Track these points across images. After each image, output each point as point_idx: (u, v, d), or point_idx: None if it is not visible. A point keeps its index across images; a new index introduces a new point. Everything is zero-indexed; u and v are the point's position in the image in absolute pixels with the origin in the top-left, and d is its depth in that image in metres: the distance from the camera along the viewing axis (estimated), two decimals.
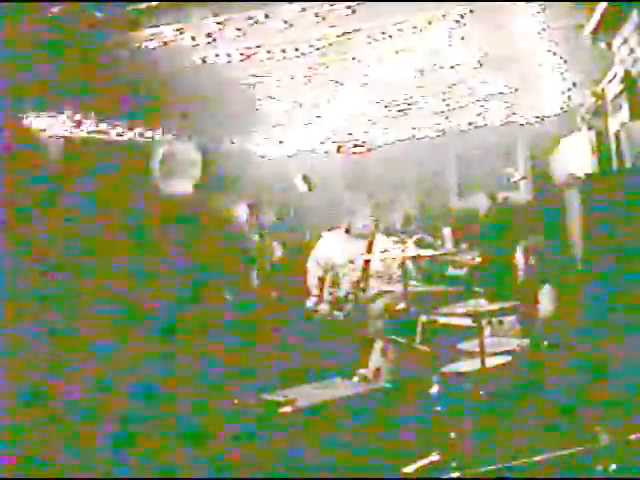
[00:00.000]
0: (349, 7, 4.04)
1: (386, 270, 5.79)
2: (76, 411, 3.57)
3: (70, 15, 3.86)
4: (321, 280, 6.03)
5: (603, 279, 3.75)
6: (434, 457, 3.42)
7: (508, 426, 3.49)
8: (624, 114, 4.71)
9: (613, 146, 5.09)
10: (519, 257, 4.69)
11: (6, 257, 4.53)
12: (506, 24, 4.58)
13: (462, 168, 8.39)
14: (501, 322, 4.46)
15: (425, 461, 3.39)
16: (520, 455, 2.91)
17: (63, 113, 5.46)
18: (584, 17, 4.49)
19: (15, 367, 4.22)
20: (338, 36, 4.50)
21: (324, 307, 5.89)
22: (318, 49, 4.69)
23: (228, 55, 4.63)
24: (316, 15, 4.11)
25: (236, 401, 3.43)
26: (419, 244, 5.72)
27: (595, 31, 4.54)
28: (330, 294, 5.91)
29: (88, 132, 6.30)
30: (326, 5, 4.02)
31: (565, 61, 5.45)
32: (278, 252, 6.92)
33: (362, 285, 5.82)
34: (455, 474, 3.23)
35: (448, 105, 6.76)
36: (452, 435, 3.56)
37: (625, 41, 4.33)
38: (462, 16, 4.33)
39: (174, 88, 4.77)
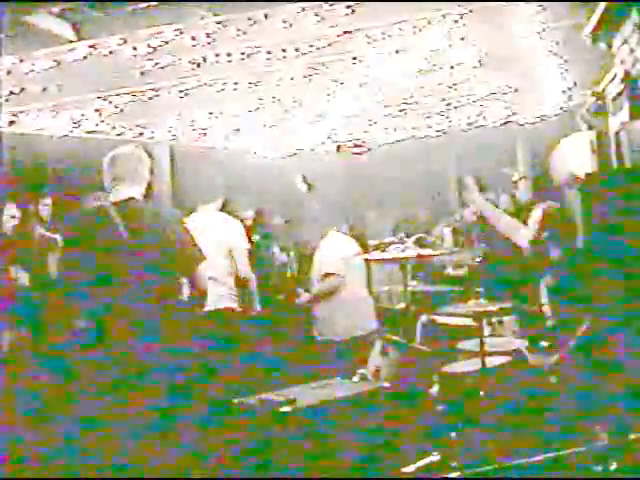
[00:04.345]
0: (349, 7, 4.04)
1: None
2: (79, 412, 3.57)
3: None
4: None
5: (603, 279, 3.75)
6: (434, 457, 3.42)
7: (508, 426, 3.49)
8: (624, 114, 4.71)
9: (613, 146, 5.09)
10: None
11: None
12: (506, 24, 4.58)
13: (462, 168, 8.41)
14: (501, 322, 4.46)
15: (425, 461, 3.39)
16: (520, 455, 2.92)
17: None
18: (584, 17, 4.49)
19: None
20: (338, 36, 4.50)
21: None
22: (318, 49, 4.69)
23: (228, 55, 4.63)
24: (316, 15, 4.11)
25: (236, 401, 3.43)
26: (419, 244, 5.71)
27: (595, 31, 4.53)
28: None
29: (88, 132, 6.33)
30: (326, 5, 4.01)
31: (565, 61, 5.46)
32: (281, 257, 6.93)
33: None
34: (455, 474, 3.23)
35: (448, 105, 6.77)
36: (452, 435, 3.56)
37: (625, 41, 4.33)
38: (462, 16, 4.33)
39: None
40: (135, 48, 4.35)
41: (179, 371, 3.44)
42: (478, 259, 5.37)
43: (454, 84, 5.97)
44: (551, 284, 4.09)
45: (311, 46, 4.63)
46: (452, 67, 5.40)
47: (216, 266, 4.94)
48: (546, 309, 4.20)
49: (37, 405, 4.17)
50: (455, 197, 8.42)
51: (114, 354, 3.38)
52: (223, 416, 3.48)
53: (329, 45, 4.63)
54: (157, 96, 5.47)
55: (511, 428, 3.47)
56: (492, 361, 3.84)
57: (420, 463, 3.37)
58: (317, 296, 5.43)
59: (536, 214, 4.16)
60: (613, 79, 5.00)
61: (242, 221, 5.76)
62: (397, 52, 4.95)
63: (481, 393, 3.67)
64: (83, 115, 5.88)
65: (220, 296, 5.06)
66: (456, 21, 4.39)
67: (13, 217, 5.11)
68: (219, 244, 5.12)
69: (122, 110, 5.79)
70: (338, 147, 8.06)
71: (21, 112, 5.59)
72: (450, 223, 7.16)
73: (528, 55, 5.27)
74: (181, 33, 4.21)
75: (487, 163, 7.41)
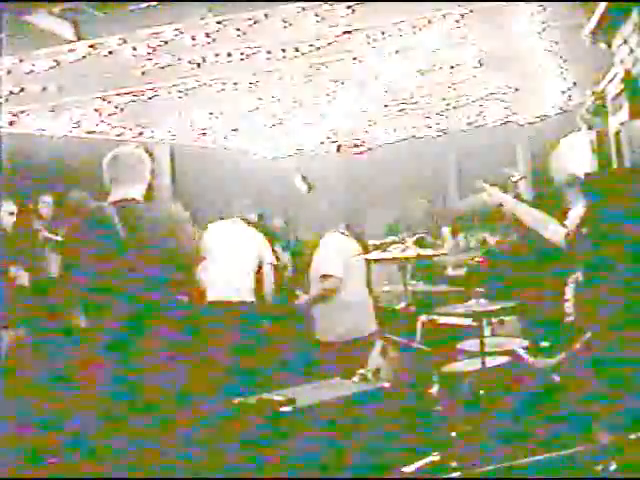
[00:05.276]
0: (349, 7, 4.04)
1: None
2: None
3: None
4: None
5: (604, 279, 3.74)
6: (434, 457, 3.42)
7: (508, 426, 3.49)
8: (624, 114, 4.71)
9: (613, 146, 5.09)
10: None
11: None
12: (506, 24, 4.58)
13: (462, 168, 8.42)
14: (501, 322, 4.46)
15: (425, 461, 3.39)
16: (520, 455, 2.91)
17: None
18: (584, 17, 4.49)
19: None
20: (338, 36, 4.50)
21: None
22: (318, 49, 4.69)
23: (228, 55, 4.63)
24: (316, 15, 4.11)
25: (236, 401, 3.43)
26: (419, 244, 5.70)
27: (595, 31, 4.53)
28: None
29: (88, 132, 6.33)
30: (326, 5, 4.01)
31: (565, 61, 5.46)
32: (283, 257, 6.93)
33: None
34: (455, 474, 3.23)
35: (448, 105, 6.77)
36: (452, 435, 3.56)
37: (625, 41, 4.33)
38: (462, 16, 4.33)
39: None
40: (135, 48, 4.35)
41: (178, 370, 3.45)
42: (478, 259, 5.37)
43: (454, 84, 5.97)
44: (581, 281, 4.04)
45: (311, 46, 4.63)
46: (452, 67, 5.40)
47: (240, 264, 5.57)
48: (568, 306, 4.17)
49: (37, 404, 4.17)
50: (455, 197, 8.42)
51: (113, 354, 3.38)
52: (223, 416, 3.48)
53: (329, 45, 4.64)
54: (157, 96, 5.48)
55: (511, 428, 3.47)
56: (492, 361, 3.84)
57: (420, 463, 3.37)
58: (315, 298, 5.42)
59: (578, 209, 4.09)
60: (613, 79, 4.99)
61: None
62: (397, 52, 4.95)
63: (481, 393, 3.67)
64: (83, 115, 5.88)
65: (236, 287, 5.48)
66: (456, 21, 4.40)
67: (12, 214, 5.11)
68: (249, 247, 5.70)
69: (122, 110, 5.79)
70: (338, 147, 8.06)
71: (21, 112, 5.59)
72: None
73: (528, 55, 5.27)
74: (181, 33, 4.21)
75: (487, 163, 7.41)
